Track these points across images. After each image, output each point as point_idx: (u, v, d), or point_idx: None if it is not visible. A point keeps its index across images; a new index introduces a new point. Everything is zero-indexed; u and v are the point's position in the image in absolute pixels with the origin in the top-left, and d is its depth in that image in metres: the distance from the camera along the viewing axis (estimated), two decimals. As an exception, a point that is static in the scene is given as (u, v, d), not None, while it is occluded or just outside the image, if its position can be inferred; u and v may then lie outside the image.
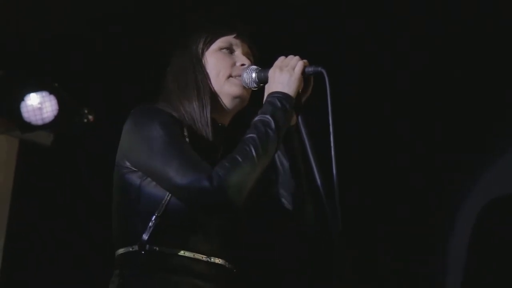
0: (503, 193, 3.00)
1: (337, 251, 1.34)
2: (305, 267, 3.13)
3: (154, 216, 1.35)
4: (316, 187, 1.40)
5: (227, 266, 1.45)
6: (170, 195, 1.37)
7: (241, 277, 1.50)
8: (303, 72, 1.46)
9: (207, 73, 1.53)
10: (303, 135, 1.47)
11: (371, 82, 3.23)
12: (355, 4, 2.98)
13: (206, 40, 1.56)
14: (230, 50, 1.57)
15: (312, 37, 3.10)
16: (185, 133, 1.41)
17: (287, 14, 3.05)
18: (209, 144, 1.46)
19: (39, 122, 3.13)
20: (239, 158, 1.32)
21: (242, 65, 1.55)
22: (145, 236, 1.34)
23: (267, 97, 1.46)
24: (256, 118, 1.42)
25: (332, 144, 1.37)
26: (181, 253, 1.37)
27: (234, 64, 1.55)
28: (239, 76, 1.54)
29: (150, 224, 1.35)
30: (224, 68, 1.54)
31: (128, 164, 1.42)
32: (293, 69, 1.45)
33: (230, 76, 1.54)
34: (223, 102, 1.55)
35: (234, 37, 1.57)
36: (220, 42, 1.56)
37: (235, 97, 1.55)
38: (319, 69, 1.44)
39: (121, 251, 1.41)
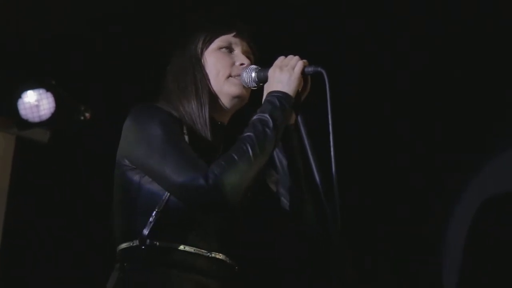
0: (498, 192, 3.02)
1: (336, 250, 1.33)
2: (305, 267, 3.14)
3: (154, 212, 1.36)
4: (315, 186, 1.39)
5: (228, 261, 1.46)
6: (168, 192, 1.38)
7: (242, 274, 1.50)
8: (303, 72, 1.46)
9: (206, 73, 1.53)
10: (303, 134, 1.46)
11: (371, 82, 3.25)
12: (355, 4, 2.99)
13: (205, 39, 1.55)
14: (229, 49, 1.56)
15: (312, 37, 3.12)
16: (185, 132, 1.42)
17: (287, 14, 3.07)
18: (208, 143, 1.46)
19: (36, 120, 3.13)
20: (235, 157, 1.32)
21: (241, 64, 1.55)
22: (145, 232, 1.36)
23: (266, 96, 1.45)
24: (255, 117, 1.41)
25: (331, 143, 1.36)
26: (181, 247, 1.37)
27: (233, 63, 1.55)
28: (239, 75, 1.53)
29: (151, 219, 1.36)
30: (224, 67, 1.54)
31: (127, 162, 1.43)
32: (293, 68, 1.44)
33: (229, 75, 1.54)
34: (222, 101, 1.55)
35: (233, 35, 1.56)
36: (219, 41, 1.56)
37: (235, 97, 1.55)
38: (319, 69, 1.44)
39: (122, 246, 1.42)
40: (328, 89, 1.39)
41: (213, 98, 1.53)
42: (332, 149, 1.35)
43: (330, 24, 3.04)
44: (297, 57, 1.47)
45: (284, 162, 1.55)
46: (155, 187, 1.39)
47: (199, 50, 1.55)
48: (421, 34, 3.07)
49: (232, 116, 1.63)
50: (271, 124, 1.37)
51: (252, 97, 1.61)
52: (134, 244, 1.37)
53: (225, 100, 1.55)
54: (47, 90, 3.09)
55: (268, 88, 1.47)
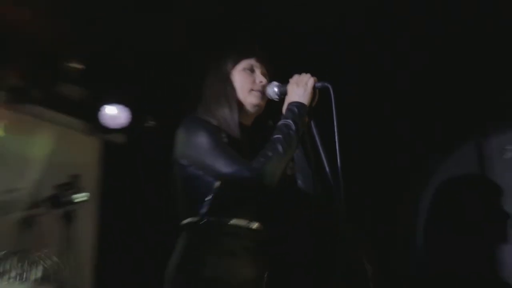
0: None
1: (340, 216, 1.70)
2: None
3: (209, 196, 1.79)
4: (324, 169, 1.78)
5: (261, 229, 1.87)
6: (219, 181, 1.79)
7: (271, 237, 1.92)
8: (314, 87, 1.88)
9: (234, 87, 1.97)
10: (314, 133, 1.88)
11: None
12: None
13: (233, 62, 2.00)
14: (251, 70, 2.00)
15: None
16: (224, 135, 1.83)
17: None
18: (239, 141, 1.87)
19: (115, 127, 4.09)
20: (270, 154, 1.75)
21: (260, 82, 1.97)
22: (203, 211, 1.79)
23: (287, 106, 1.88)
24: (280, 122, 1.83)
25: (336, 140, 1.74)
26: (228, 220, 1.81)
27: (254, 81, 1.98)
28: (258, 90, 1.96)
29: (206, 202, 1.80)
30: (247, 83, 1.97)
31: (185, 161, 1.85)
32: (306, 84, 1.88)
33: (252, 89, 1.97)
34: (246, 108, 1.98)
35: (255, 60, 2.00)
36: (244, 64, 2.00)
37: (255, 105, 1.98)
38: (326, 84, 1.85)
39: (185, 221, 1.85)
40: (333, 99, 1.79)
41: (240, 106, 1.95)
42: (337, 143, 1.74)
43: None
44: (309, 74, 1.89)
45: (299, 153, 1.96)
46: (208, 179, 1.80)
47: (229, 70, 1.99)
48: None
49: (254, 121, 2.04)
50: (293, 127, 1.81)
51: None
52: (195, 220, 1.81)
53: (248, 108, 1.98)
54: (124, 104, 4.05)
55: (288, 100, 1.89)
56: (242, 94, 1.96)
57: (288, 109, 1.86)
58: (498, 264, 2.97)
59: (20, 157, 4.01)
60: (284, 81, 1.92)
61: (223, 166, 1.74)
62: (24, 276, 2.09)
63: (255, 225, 1.85)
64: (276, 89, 1.94)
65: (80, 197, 3.57)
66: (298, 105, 1.85)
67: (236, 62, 1.99)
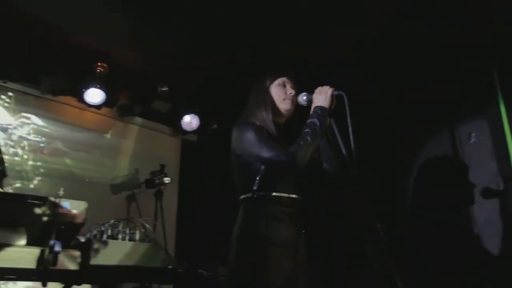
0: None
1: (354, 187, 1.71)
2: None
3: (258, 177, 1.86)
4: (341, 153, 1.81)
5: (299, 198, 1.93)
6: (264, 166, 1.86)
7: (307, 205, 1.94)
8: (332, 95, 1.94)
9: (271, 97, 2.05)
10: (334, 128, 1.90)
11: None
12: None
13: (271, 80, 2.07)
14: (284, 85, 2.07)
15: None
16: (265, 132, 1.90)
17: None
18: (275, 134, 1.93)
19: (190, 130, 4.29)
20: (301, 143, 1.82)
21: (290, 93, 2.05)
22: (254, 188, 1.85)
23: (313, 109, 1.94)
24: (308, 120, 1.91)
25: (350, 132, 1.78)
26: (274, 194, 1.86)
27: (286, 93, 2.06)
28: (289, 99, 2.04)
29: (256, 181, 1.85)
30: (281, 95, 2.05)
31: (239, 152, 1.92)
32: (326, 93, 1.94)
33: (284, 99, 2.05)
34: (281, 112, 2.05)
35: (286, 78, 2.08)
36: (279, 80, 2.07)
37: (287, 110, 2.06)
38: (341, 92, 1.92)
39: (242, 196, 1.91)
40: (346, 104, 1.84)
41: (275, 110, 2.03)
42: (351, 134, 1.77)
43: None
44: (328, 86, 1.95)
45: (322, 143, 2.01)
46: (257, 164, 1.86)
47: (267, 85, 2.06)
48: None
49: (286, 121, 2.09)
50: (318, 124, 1.88)
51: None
52: (248, 195, 1.86)
53: (282, 111, 2.05)
54: (195, 114, 4.26)
55: (313, 105, 1.96)
56: (278, 102, 2.02)
57: (314, 111, 1.92)
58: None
59: (122, 153, 4.13)
60: (310, 92, 2.01)
61: (266, 153, 1.80)
62: (129, 237, 2.09)
63: (293, 195, 1.89)
64: (304, 98, 2.00)
65: (166, 180, 3.67)
66: (321, 108, 1.91)
67: (273, 80, 2.06)
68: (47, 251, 1.68)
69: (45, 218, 1.76)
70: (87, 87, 3.61)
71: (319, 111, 1.90)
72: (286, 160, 1.78)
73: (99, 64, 3.58)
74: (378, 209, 1.59)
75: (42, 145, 3.66)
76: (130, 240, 2.05)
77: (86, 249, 1.86)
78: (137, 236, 2.07)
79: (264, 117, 1.96)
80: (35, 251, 1.69)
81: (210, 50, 3.37)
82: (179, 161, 4.49)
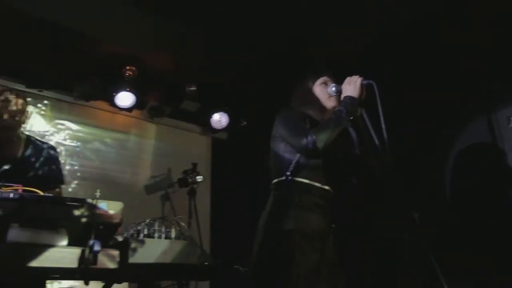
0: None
1: (387, 172, 1.74)
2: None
3: (293, 162, 1.87)
4: (373, 141, 1.82)
5: (331, 191, 1.92)
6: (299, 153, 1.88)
7: (339, 197, 1.95)
8: (361, 84, 1.96)
9: (316, 96, 2.08)
10: (365, 118, 1.92)
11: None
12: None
13: (313, 79, 2.12)
14: (326, 84, 2.11)
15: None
16: (307, 120, 1.92)
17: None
18: (317, 121, 1.95)
19: (220, 128, 4.33)
20: (323, 127, 1.85)
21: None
22: (288, 172, 1.86)
23: (342, 99, 1.97)
24: (337, 109, 1.93)
25: (382, 120, 1.78)
26: (306, 181, 1.87)
27: (327, 91, 2.11)
28: (331, 95, 2.07)
29: (291, 166, 1.86)
30: (324, 93, 2.08)
31: (278, 137, 1.96)
32: (355, 83, 1.96)
33: (330, 96, 2.07)
34: (327, 109, 2.05)
35: (327, 76, 2.12)
36: (320, 80, 2.11)
37: (333, 107, 2.03)
38: (370, 82, 1.91)
39: (275, 180, 1.92)
40: (377, 93, 1.84)
41: (323, 107, 2.05)
42: (382, 123, 1.77)
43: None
44: (357, 76, 1.96)
45: (354, 134, 2.04)
46: (292, 149, 1.89)
47: (310, 84, 2.11)
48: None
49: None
50: (344, 111, 1.89)
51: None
52: (282, 179, 1.87)
53: (329, 108, 2.04)
54: (224, 112, 4.28)
55: (344, 94, 1.98)
56: (323, 100, 2.07)
57: (342, 100, 1.96)
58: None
59: (154, 154, 4.22)
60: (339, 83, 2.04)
61: (292, 137, 1.86)
62: (164, 235, 2.12)
63: (326, 187, 1.89)
64: (334, 89, 2.05)
65: (199, 178, 3.67)
66: (350, 98, 1.94)
67: (315, 80, 2.11)
68: (87, 251, 1.71)
69: (84, 219, 1.81)
70: (117, 91, 3.73)
71: (348, 101, 1.92)
72: (306, 141, 1.79)
73: (127, 67, 3.68)
74: (414, 200, 1.55)
75: (78, 149, 3.82)
76: (166, 238, 2.06)
77: (124, 248, 1.88)
78: (173, 234, 2.09)
79: (312, 115, 1.98)
80: (76, 251, 1.72)
81: (236, 48, 3.37)
82: (210, 159, 4.55)
